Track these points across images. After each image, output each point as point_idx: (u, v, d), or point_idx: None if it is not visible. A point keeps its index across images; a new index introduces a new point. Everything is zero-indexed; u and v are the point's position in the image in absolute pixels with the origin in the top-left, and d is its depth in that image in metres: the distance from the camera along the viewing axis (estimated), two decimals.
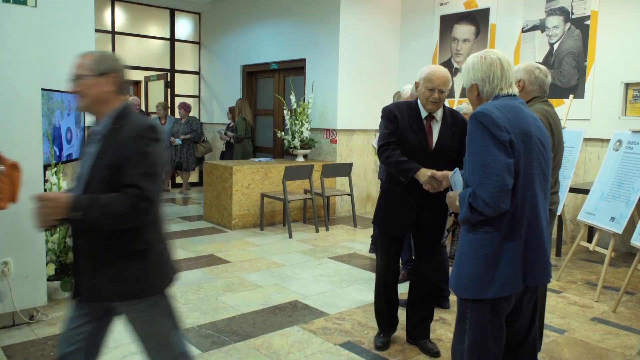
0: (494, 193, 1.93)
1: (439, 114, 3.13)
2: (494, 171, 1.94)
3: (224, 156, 9.22)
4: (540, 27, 6.53)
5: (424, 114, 3.10)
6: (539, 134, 2.11)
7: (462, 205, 2.05)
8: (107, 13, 9.47)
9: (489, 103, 2.10)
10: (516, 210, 2.00)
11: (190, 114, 9.38)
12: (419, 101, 3.12)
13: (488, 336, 2.08)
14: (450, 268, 5.06)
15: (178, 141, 9.02)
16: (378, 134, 8.12)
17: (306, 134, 7.60)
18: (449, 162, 3.04)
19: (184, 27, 10.51)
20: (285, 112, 7.92)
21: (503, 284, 2.02)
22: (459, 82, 7.39)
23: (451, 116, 3.17)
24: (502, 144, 1.96)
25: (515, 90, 2.17)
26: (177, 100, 10.25)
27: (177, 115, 9.55)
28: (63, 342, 2.00)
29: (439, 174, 2.92)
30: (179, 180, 10.16)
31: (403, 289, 4.54)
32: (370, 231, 6.71)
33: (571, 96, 5.66)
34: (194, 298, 4.14)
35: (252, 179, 6.79)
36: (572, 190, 5.38)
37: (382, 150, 3.11)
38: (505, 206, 1.97)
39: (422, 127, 3.08)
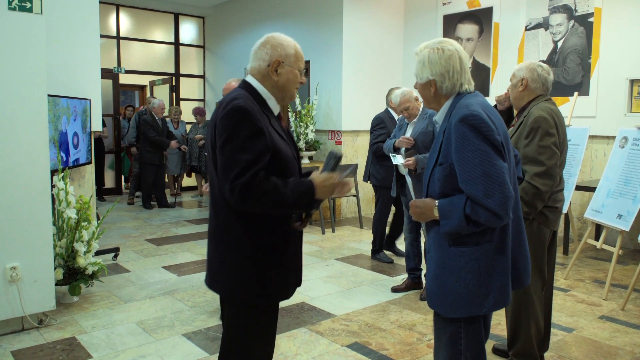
0: (503, 202, 1.77)
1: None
2: (498, 179, 1.78)
3: None
4: (544, 25, 6.51)
5: (276, 109, 2.03)
6: (508, 134, 2.02)
7: (450, 216, 1.85)
8: (112, 19, 9.53)
9: (472, 102, 1.88)
10: None
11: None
12: (262, 90, 1.98)
13: (484, 351, 1.99)
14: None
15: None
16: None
17: (311, 135, 7.62)
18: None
19: (188, 31, 10.56)
20: (289, 114, 7.93)
21: (497, 298, 1.89)
22: None
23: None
24: (497, 148, 1.82)
25: (473, 85, 2.00)
26: (183, 104, 10.29)
27: (193, 121, 9.56)
28: None
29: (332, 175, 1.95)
30: (188, 183, 10.19)
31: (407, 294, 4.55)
32: None
33: (576, 93, 5.65)
34: (201, 301, 4.16)
35: None
36: (579, 188, 5.36)
37: (255, 186, 1.79)
38: (511, 215, 1.84)
39: (283, 129, 2.03)
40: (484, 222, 1.80)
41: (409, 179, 2.44)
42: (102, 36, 8.15)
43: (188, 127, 9.58)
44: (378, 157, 5.16)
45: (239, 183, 1.77)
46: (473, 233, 1.86)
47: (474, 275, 1.88)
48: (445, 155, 1.89)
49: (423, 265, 4.48)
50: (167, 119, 9.18)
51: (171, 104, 10.07)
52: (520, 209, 2.05)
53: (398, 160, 4.11)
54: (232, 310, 1.98)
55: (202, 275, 4.83)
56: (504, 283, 1.91)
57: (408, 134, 4.26)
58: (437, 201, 1.91)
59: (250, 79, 2.00)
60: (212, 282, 2.01)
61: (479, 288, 1.88)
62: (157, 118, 8.22)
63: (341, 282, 4.70)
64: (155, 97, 9.21)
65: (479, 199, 1.78)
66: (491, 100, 6.90)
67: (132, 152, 8.85)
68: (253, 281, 1.92)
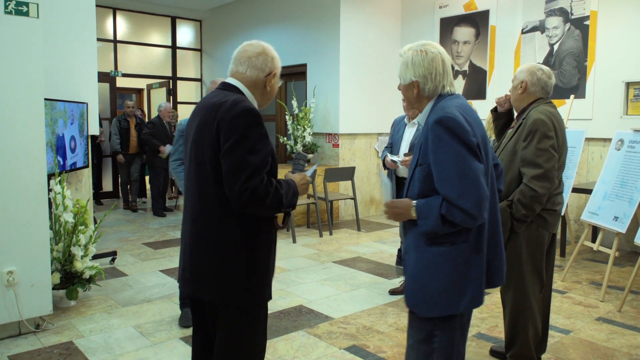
0: (478, 203, 1.79)
1: None
2: (473, 179, 1.80)
3: None
4: (540, 28, 6.54)
5: None
6: (487, 135, 2.03)
7: (427, 216, 1.87)
8: (109, 22, 9.53)
9: (449, 105, 1.91)
10: None
11: None
12: (249, 95, 2.05)
13: (456, 352, 2.00)
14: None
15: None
16: (380, 140, 8.07)
17: (308, 138, 7.62)
18: None
19: (185, 34, 10.57)
20: (287, 117, 7.94)
21: (472, 297, 1.92)
22: (459, 85, 7.40)
23: None
24: (472, 149, 1.83)
25: (455, 87, 2.04)
26: (180, 108, 10.29)
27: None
28: None
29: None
30: None
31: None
32: (374, 235, 6.72)
33: (572, 96, 5.67)
34: None
35: None
36: (575, 190, 5.37)
37: (263, 188, 1.86)
38: (486, 215, 1.85)
39: None
40: (459, 223, 1.83)
41: (386, 179, 2.40)
42: (99, 39, 8.13)
43: None
44: None
45: (250, 185, 1.81)
46: (449, 233, 1.88)
47: (451, 275, 1.90)
48: (424, 156, 1.92)
49: None
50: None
51: None
52: (499, 210, 2.07)
53: (396, 158, 4.12)
54: (228, 314, 1.99)
55: None
56: (479, 283, 1.94)
57: (406, 137, 4.28)
58: (414, 201, 1.93)
59: (236, 83, 2.03)
60: (199, 289, 1.99)
61: (456, 287, 1.90)
62: (164, 121, 8.11)
63: (339, 285, 4.70)
64: (131, 100, 9.00)
65: (453, 200, 1.81)
66: (490, 102, 6.92)
67: (118, 160, 8.44)
68: (248, 284, 1.96)
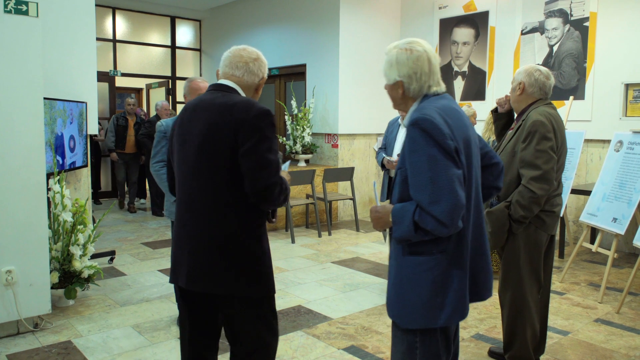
0: (450, 210, 1.69)
1: None
2: (446, 186, 1.69)
3: None
4: (540, 29, 6.55)
5: None
6: (475, 136, 1.94)
7: (400, 222, 1.78)
8: (108, 21, 9.53)
9: (428, 106, 1.82)
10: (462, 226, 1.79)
11: None
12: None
13: None
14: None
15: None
16: (379, 141, 8.07)
17: (307, 139, 7.63)
18: None
19: (185, 34, 10.57)
20: (286, 117, 7.94)
21: (453, 310, 1.82)
22: (459, 86, 7.40)
23: None
24: (450, 154, 1.73)
25: (443, 87, 1.94)
26: (179, 108, 10.29)
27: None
28: None
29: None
30: None
31: None
32: (373, 235, 6.72)
33: (571, 97, 5.67)
34: None
35: None
36: (574, 191, 5.38)
37: (279, 185, 2.03)
38: (461, 224, 1.75)
39: None
40: (430, 230, 1.73)
41: (374, 184, 2.40)
42: (98, 39, 8.14)
43: None
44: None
45: (272, 182, 1.96)
46: (427, 242, 1.80)
47: (428, 287, 1.81)
48: (402, 159, 1.84)
49: None
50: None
51: None
52: (484, 219, 1.98)
53: (391, 159, 4.12)
54: (247, 305, 2.10)
55: None
56: (461, 296, 1.84)
57: (399, 137, 4.27)
58: (388, 205, 1.88)
59: (233, 85, 2.12)
60: (215, 284, 2.03)
61: (434, 300, 1.81)
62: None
63: (337, 285, 4.70)
64: (132, 98, 8.91)
65: (425, 206, 1.72)
66: (489, 103, 6.93)
67: (112, 158, 8.32)
68: (262, 273, 2.10)
